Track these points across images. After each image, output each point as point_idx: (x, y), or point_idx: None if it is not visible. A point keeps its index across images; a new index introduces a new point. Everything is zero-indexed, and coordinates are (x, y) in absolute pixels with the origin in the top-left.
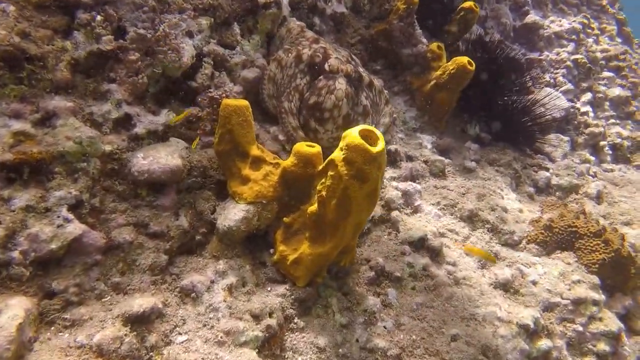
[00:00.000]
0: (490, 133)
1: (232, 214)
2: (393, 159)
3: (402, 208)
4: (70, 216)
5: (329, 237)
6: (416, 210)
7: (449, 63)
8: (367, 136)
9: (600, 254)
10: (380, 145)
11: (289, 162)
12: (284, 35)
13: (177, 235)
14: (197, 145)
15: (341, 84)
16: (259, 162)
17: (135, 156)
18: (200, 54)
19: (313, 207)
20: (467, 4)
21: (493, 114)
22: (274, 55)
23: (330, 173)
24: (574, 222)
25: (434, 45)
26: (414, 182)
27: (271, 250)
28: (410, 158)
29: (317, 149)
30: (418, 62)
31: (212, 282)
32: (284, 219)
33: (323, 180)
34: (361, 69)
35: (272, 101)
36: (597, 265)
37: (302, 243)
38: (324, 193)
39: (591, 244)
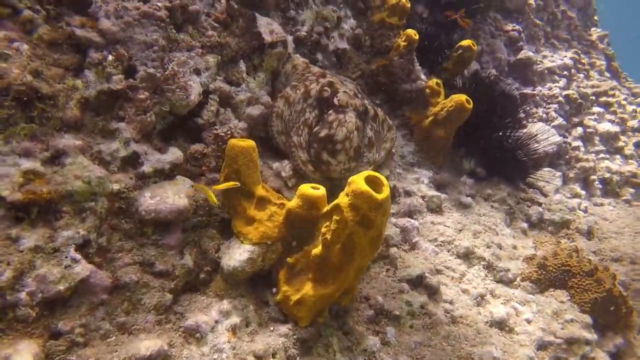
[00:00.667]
0: (486, 167)
1: (237, 255)
2: (392, 194)
3: (400, 244)
4: (78, 256)
5: (332, 279)
6: (413, 246)
7: (447, 100)
8: (372, 181)
9: (592, 293)
10: (386, 191)
11: (293, 203)
12: (289, 71)
13: (181, 274)
14: (201, 182)
15: (351, 118)
16: (264, 203)
17: (142, 195)
18: (207, 91)
19: (317, 250)
20: (465, 43)
21: (488, 149)
22: (281, 92)
23: (335, 217)
24: (567, 261)
25: (433, 82)
26: (412, 217)
27: (274, 290)
28: (408, 193)
29: (321, 191)
30: (417, 98)
31: (217, 322)
32: (288, 259)
33: (327, 223)
34: (367, 102)
35: (281, 137)
36: (589, 305)
37: (305, 284)
38: (328, 236)
39: (584, 283)
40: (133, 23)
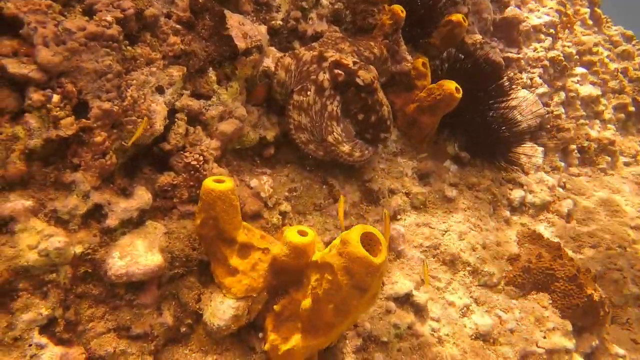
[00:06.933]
0: (469, 149)
1: (221, 312)
2: (376, 197)
3: None
4: (44, 341)
5: (323, 332)
6: (399, 255)
7: (435, 86)
8: (369, 238)
9: (574, 299)
10: (384, 253)
11: (279, 251)
12: (283, 78)
13: (161, 333)
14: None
15: (381, 92)
16: (247, 249)
17: (110, 256)
18: (173, 109)
19: (307, 303)
20: (455, 17)
21: (473, 128)
22: (290, 102)
23: (327, 277)
24: (551, 265)
25: (419, 63)
26: (396, 218)
27: (260, 335)
28: (392, 191)
29: (310, 237)
30: (402, 81)
31: None
32: (274, 306)
33: (318, 276)
34: (362, 48)
35: (310, 146)
36: (570, 310)
37: (293, 332)
38: (319, 292)
39: (566, 288)
40: (79, 49)
